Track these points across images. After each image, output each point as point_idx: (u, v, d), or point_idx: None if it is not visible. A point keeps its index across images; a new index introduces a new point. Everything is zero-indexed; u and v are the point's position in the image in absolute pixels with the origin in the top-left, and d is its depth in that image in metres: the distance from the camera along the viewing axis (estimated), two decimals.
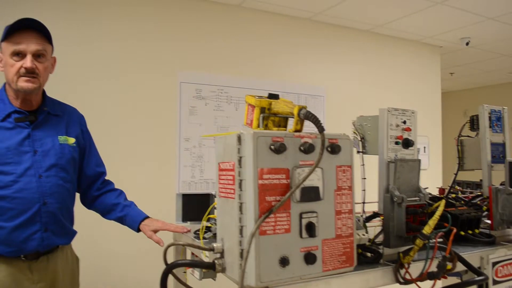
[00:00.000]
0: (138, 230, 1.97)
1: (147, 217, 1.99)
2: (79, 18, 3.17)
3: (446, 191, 2.13)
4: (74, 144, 1.92)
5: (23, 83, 1.72)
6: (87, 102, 2.75)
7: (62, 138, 1.87)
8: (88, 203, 2.08)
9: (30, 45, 1.72)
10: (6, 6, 2.96)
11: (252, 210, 1.12)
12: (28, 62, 1.71)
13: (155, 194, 3.25)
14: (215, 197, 1.86)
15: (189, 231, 1.87)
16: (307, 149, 1.20)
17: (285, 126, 1.39)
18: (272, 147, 1.15)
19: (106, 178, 2.11)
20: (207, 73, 3.62)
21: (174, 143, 3.48)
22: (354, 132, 1.81)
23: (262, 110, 1.34)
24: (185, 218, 1.82)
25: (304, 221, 1.19)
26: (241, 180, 1.16)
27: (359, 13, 4.03)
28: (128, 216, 2.00)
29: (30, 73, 1.72)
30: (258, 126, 1.33)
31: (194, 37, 3.60)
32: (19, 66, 1.71)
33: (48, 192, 1.76)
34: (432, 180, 3.86)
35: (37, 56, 1.75)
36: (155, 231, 1.93)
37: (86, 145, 2.03)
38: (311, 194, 1.21)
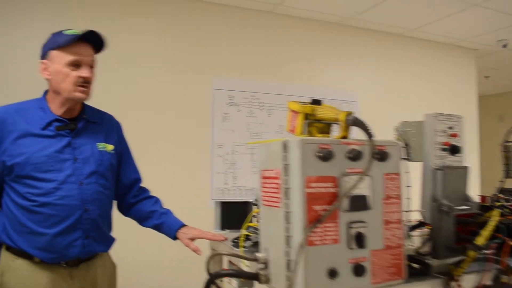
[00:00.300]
0: (175, 238, 1.97)
1: (184, 225, 1.98)
2: (114, 29, 3.22)
3: (489, 199, 2.04)
4: (113, 151, 1.93)
5: (79, 93, 1.75)
6: (120, 109, 2.76)
7: (101, 145, 1.88)
8: (125, 210, 2.09)
9: (88, 57, 1.76)
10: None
11: (299, 219, 1.09)
12: (87, 72, 1.74)
13: (188, 201, 3.25)
14: (254, 205, 1.86)
15: (226, 239, 1.85)
16: (355, 156, 1.17)
17: (328, 133, 1.36)
18: (319, 154, 1.12)
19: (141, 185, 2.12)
20: (240, 79, 3.61)
21: (207, 149, 3.48)
22: (397, 139, 1.76)
23: (306, 116, 1.30)
24: (223, 226, 1.80)
25: (353, 231, 1.15)
26: (287, 189, 1.13)
27: (392, 17, 3.96)
28: (165, 223, 2.00)
29: (86, 83, 1.76)
30: (302, 133, 1.30)
31: (227, 43, 3.60)
32: (76, 75, 1.73)
33: (89, 199, 1.78)
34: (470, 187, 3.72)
35: (89, 66, 1.78)
36: (192, 239, 1.92)
37: (123, 152, 2.05)
38: (359, 203, 1.17)
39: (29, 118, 1.75)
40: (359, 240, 1.15)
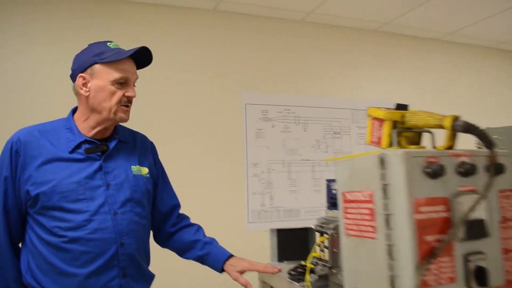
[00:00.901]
0: (222, 271, 1.73)
1: (231, 255, 1.74)
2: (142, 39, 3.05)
3: None
4: (148, 175, 1.71)
5: (122, 114, 1.58)
6: (147, 126, 2.58)
7: (135, 169, 1.66)
8: (163, 241, 1.86)
9: (134, 75, 1.61)
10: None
11: (409, 254, 0.85)
12: (133, 91, 1.59)
13: (223, 225, 3.00)
14: (318, 232, 1.62)
15: (280, 271, 1.61)
16: (467, 171, 0.93)
17: (419, 143, 1.12)
18: (427, 170, 0.88)
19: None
20: (273, 93, 3.40)
21: (242, 169, 3.25)
22: (478, 147, 1.51)
23: (394, 124, 1.07)
24: (281, 257, 1.56)
25: (472, 265, 0.91)
26: (388, 215, 0.89)
27: (428, 21, 3.72)
28: (210, 255, 1.76)
29: (129, 102, 1.60)
30: (391, 144, 1.06)
31: (257, 55, 3.41)
32: (122, 94, 1.56)
33: (124, 231, 1.55)
34: None
35: (133, 84, 1.64)
36: (242, 272, 1.68)
37: (158, 175, 1.83)
38: (476, 229, 0.93)
39: (55, 141, 1.55)
40: (480, 276, 0.91)
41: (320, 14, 3.45)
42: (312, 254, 1.52)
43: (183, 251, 1.81)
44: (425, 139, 1.12)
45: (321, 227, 1.54)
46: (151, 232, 1.83)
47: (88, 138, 1.58)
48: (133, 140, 1.75)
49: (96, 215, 1.50)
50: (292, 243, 1.58)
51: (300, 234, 1.59)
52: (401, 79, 3.99)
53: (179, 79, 3.16)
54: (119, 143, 1.66)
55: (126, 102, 1.57)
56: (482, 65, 4.47)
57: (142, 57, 1.62)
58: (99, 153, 1.58)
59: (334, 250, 1.46)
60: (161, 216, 1.81)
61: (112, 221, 1.52)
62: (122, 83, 1.55)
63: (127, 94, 1.56)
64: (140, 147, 1.76)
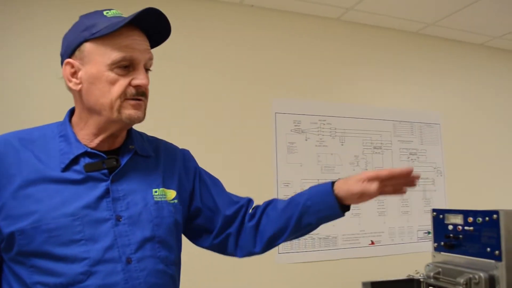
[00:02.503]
0: (341, 206, 1.17)
1: (333, 182, 1.21)
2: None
3: None
4: (175, 201, 1.20)
5: (132, 111, 1.08)
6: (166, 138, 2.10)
7: (158, 193, 1.16)
8: (254, 245, 1.30)
9: (144, 53, 1.09)
10: None
11: None
12: (143, 77, 1.08)
13: (250, 258, 2.50)
14: (432, 286, 1.14)
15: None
16: None
17: None
18: None
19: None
20: (306, 100, 2.94)
21: (271, 189, 2.76)
22: None
23: None
24: None
25: None
26: None
27: (474, 24, 3.30)
28: (311, 199, 1.21)
29: (142, 94, 1.09)
30: None
31: (288, 56, 2.95)
32: (126, 83, 1.06)
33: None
34: None
35: (145, 67, 1.11)
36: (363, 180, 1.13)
37: (202, 186, 1.31)
38: None
39: (43, 153, 1.07)
40: None
41: (360, 11, 3.00)
42: None
43: (282, 231, 1.25)
44: None
45: (437, 279, 1.06)
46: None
47: (89, 150, 1.08)
48: (155, 151, 1.24)
49: (99, 265, 1.01)
50: None
51: (401, 287, 1.10)
52: (442, 87, 3.53)
53: (197, 82, 2.68)
54: (135, 156, 1.16)
55: (135, 95, 1.07)
56: None
57: (154, 26, 1.11)
58: (105, 171, 1.08)
59: None
60: (228, 219, 1.30)
61: (124, 273, 1.02)
62: (126, 67, 1.06)
63: (135, 82, 1.06)
64: (166, 162, 1.25)
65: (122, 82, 1.05)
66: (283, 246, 2.73)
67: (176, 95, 2.63)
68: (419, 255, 3.02)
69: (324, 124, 2.95)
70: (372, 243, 2.99)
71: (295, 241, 2.77)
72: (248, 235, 1.29)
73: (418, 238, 3.15)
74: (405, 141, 3.23)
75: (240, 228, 1.30)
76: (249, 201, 1.36)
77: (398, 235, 3.08)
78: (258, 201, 2.61)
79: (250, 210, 1.32)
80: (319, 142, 2.92)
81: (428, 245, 3.11)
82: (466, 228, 1.06)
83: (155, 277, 1.08)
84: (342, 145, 2.99)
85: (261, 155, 2.77)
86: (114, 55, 1.04)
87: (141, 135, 1.27)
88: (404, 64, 3.36)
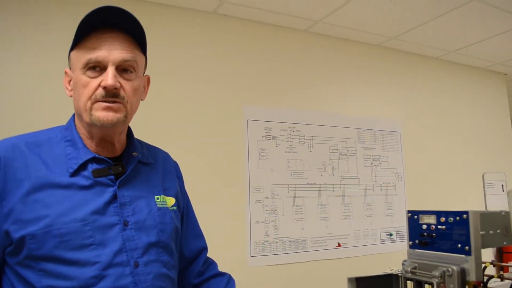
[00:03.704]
0: None
1: None
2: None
3: None
4: (175, 207, 1.27)
5: (100, 112, 1.08)
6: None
7: (159, 200, 1.22)
8: None
9: (113, 52, 1.08)
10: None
11: None
12: (109, 77, 1.07)
13: (223, 260, 2.57)
14: (410, 280, 1.25)
15: None
16: None
17: None
18: None
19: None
20: (276, 107, 3.04)
21: (243, 194, 2.84)
22: None
23: None
24: None
25: None
26: None
27: (434, 38, 3.52)
28: None
29: (112, 95, 1.09)
30: None
31: (258, 65, 3.04)
32: (96, 85, 1.08)
33: None
34: None
35: (122, 70, 1.11)
36: None
37: (184, 207, 1.38)
38: None
39: (50, 158, 1.09)
40: None
41: (328, 24, 3.14)
42: None
43: None
44: None
45: (414, 273, 1.18)
46: None
47: (97, 156, 1.12)
48: (154, 160, 1.29)
49: (110, 269, 1.04)
50: None
51: (382, 282, 1.21)
52: (402, 97, 3.74)
53: (170, 89, 2.70)
54: (137, 163, 1.21)
55: (105, 96, 1.08)
56: (477, 86, 4.33)
57: (130, 27, 1.13)
58: (111, 177, 1.12)
59: None
60: (185, 262, 1.36)
61: (132, 276, 1.07)
62: (96, 68, 1.08)
63: (102, 83, 1.07)
64: (164, 170, 1.31)
65: (92, 84, 1.08)
66: (255, 249, 2.81)
67: (148, 102, 2.65)
68: (382, 256, 3.20)
69: (293, 131, 3.06)
70: (339, 245, 3.12)
71: (266, 244, 2.85)
72: (185, 284, 1.37)
73: (381, 240, 3.31)
74: (368, 147, 3.39)
75: (185, 274, 1.37)
76: (204, 251, 1.43)
77: (363, 237, 3.23)
78: (231, 205, 2.69)
79: (202, 266, 1.39)
80: (289, 148, 3.02)
81: (390, 246, 3.31)
82: (439, 227, 1.18)
83: (159, 281, 1.12)
84: (310, 151, 3.11)
85: (233, 160, 2.84)
86: (83, 57, 1.08)
87: (140, 142, 1.31)
88: (367, 75, 3.54)
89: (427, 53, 3.90)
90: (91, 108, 1.08)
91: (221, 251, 2.52)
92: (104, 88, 1.07)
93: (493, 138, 4.33)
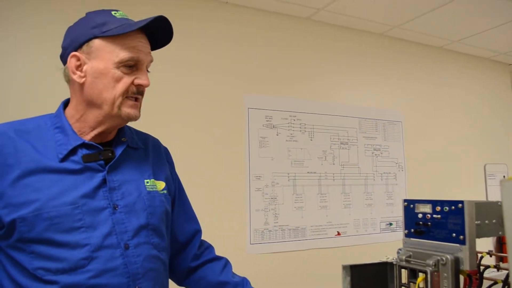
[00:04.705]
0: None
1: None
2: None
3: None
4: (165, 191, 1.28)
5: (131, 110, 1.16)
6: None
7: (149, 183, 1.23)
8: (179, 278, 1.41)
9: (148, 56, 1.19)
10: None
11: None
12: (146, 78, 1.17)
13: (222, 248, 2.58)
14: (404, 268, 1.25)
15: None
16: None
17: None
18: None
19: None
20: (277, 95, 3.03)
21: (243, 182, 2.85)
22: None
23: None
24: None
25: None
26: None
27: (437, 28, 3.50)
28: None
29: (140, 94, 1.19)
30: None
31: (260, 53, 3.03)
32: (130, 82, 1.14)
33: (140, 272, 1.12)
34: None
35: (146, 69, 1.21)
36: None
37: (176, 191, 1.40)
38: None
39: (39, 144, 1.11)
40: None
41: (330, 12, 3.12)
42: None
43: None
44: None
45: (409, 262, 1.18)
46: None
47: (86, 142, 1.14)
48: (144, 145, 1.31)
49: (100, 251, 1.06)
50: (368, 283, 1.21)
51: (377, 270, 1.22)
52: (405, 87, 3.73)
53: (170, 78, 2.71)
54: (127, 148, 1.22)
55: (135, 94, 1.15)
56: (481, 76, 4.31)
57: (157, 32, 1.20)
58: (101, 162, 1.14)
59: None
60: (179, 246, 1.38)
61: (123, 258, 1.09)
62: (131, 66, 1.13)
63: (138, 81, 1.14)
64: (154, 155, 1.33)
65: (126, 80, 1.13)
66: (254, 237, 2.83)
67: (148, 91, 2.65)
68: (381, 245, 3.21)
69: (294, 120, 3.06)
70: (338, 234, 3.13)
71: (266, 232, 2.87)
72: (182, 270, 1.39)
73: (381, 229, 3.32)
74: (369, 137, 3.39)
75: (181, 258, 1.39)
76: (199, 233, 1.44)
77: (362, 226, 3.24)
78: (231, 192, 2.70)
79: (198, 249, 1.40)
80: (289, 137, 3.03)
81: (390, 236, 3.32)
82: (434, 216, 1.18)
83: (150, 262, 1.15)
84: (311, 140, 3.11)
85: (234, 149, 2.85)
86: (123, 54, 1.11)
87: (130, 129, 1.33)
88: (369, 64, 3.52)
89: (431, 43, 3.87)
90: (121, 103, 1.13)
91: (220, 238, 2.54)
92: (139, 86, 1.15)
93: (495, 129, 4.31)
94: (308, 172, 3.06)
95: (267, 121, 2.96)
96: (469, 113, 4.14)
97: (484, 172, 4.15)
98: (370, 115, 3.43)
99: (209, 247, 1.45)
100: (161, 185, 1.28)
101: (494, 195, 4.18)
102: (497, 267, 1.40)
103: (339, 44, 3.39)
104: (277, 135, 2.98)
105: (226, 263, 1.42)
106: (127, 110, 1.14)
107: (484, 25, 3.49)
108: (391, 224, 3.38)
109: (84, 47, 1.12)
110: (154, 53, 1.23)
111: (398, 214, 3.42)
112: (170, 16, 1.21)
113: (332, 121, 3.22)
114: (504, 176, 4.43)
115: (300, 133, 3.07)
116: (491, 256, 1.47)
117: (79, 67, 1.13)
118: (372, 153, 3.38)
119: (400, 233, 3.39)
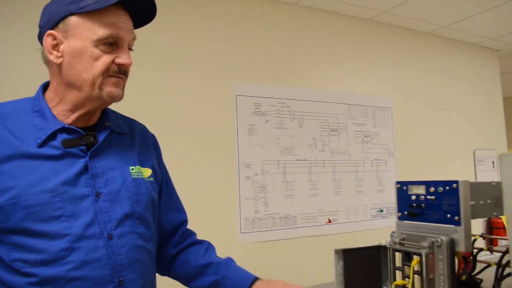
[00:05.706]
0: None
1: (257, 278, 1.28)
2: None
3: None
4: (151, 178, 1.22)
5: (112, 88, 1.08)
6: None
7: (135, 170, 1.17)
8: (163, 268, 1.35)
9: (129, 33, 1.10)
10: None
11: None
12: (127, 56, 1.09)
13: (212, 237, 2.54)
14: (398, 251, 1.22)
15: None
16: None
17: None
18: None
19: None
20: (266, 83, 2.98)
21: (233, 171, 2.80)
22: None
23: None
24: (349, 284, 1.15)
25: None
26: None
27: (426, 13, 3.47)
28: (228, 279, 1.28)
29: (123, 73, 1.10)
30: None
31: (248, 41, 2.97)
32: (110, 60, 1.06)
33: (124, 263, 1.06)
34: None
35: (129, 47, 1.13)
36: None
37: (163, 180, 1.34)
38: None
39: (16, 129, 1.05)
40: None
41: None
42: (396, 282, 1.12)
43: (190, 279, 1.31)
44: None
45: (403, 244, 1.15)
46: None
47: (66, 126, 1.08)
48: (130, 130, 1.25)
49: (81, 241, 1.01)
50: (362, 267, 1.18)
51: (370, 254, 1.19)
52: (394, 73, 3.70)
53: (158, 66, 2.65)
54: (111, 133, 1.16)
55: (117, 73, 1.07)
56: (469, 62, 4.30)
57: (139, 8, 1.12)
58: (83, 147, 1.08)
59: (431, 276, 1.07)
60: (165, 234, 1.32)
61: (106, 248, 1.03)
62: (112, 44, 1.06)
63: (118, 60, 1.07)
64: (140, 141, 1.26)
65: (106, 59, 1.05)
66: (245, 226, 2.79)
67: (136, 79, 2.59)
68: (373, 232, 3.20)
69: (283, 107, 3.02)
70: (329, 221, 3.11)
71: (256, 221, 2.84)
72: (165, 259, 1.34)
73: (372, 216, 3.31)
74: (359, 124, 3.36)
75: (164, 246, 1.33)
76: (184, 224, 1.38)
77: (353, 213, 3.22)
78: (221, 181, 2.66)
79: (180, 236, 1.35)
80: (278, 124, 2.99)
81: (381, 222, 3.31)
82: (428, 197, 1.15)
83: (135, 253, 1.09)
84: (300, 127, 3.07)
85: (222, 137, 2.80)
86: (101, 31, 1.04)
87: (115, 113, 1.26)
88: (358, 50, 3.49)
89: (419, 28, 3.85)
90: (102, 83, 1.06)
91: (211, 229, 2.51)
92: (120, 65, 1.07)
93: (484, 115, 4.32)
94: (298, 160, 3.02)
95: (255, 108, 2.91)
96: (458, 99, 4.14)
97: (474, 158, 4.16)
98: (360, 102, 3.40)
99: (191, 233, 1.39)
100: (147, 172, 1.22)
101: (484, 180, 4.20)
102: (491, 250, 1.38)
103: (328, 30, 3.34)
104: (266, 122, 2.94)
105: (209, 246, 1.36)
106: (108, 89, 1.07)
107: (472, 10, 3.48)
108: (382, 210, 3.37)
109: (60, 25, 1.05)
110: (144, 40, 1.17)
111: (389, 200, 3.41)
112: (159, 5, 1.15)
113: (322, 108, 3.18)
114: (493, 162, 4.45)
115: (290, 120, 3.03)
116: (484, 239, 1.45)
117: (55, 46, 1.06)
118: (362, 139, 3.35)
119: (391, 220, 3.39)
